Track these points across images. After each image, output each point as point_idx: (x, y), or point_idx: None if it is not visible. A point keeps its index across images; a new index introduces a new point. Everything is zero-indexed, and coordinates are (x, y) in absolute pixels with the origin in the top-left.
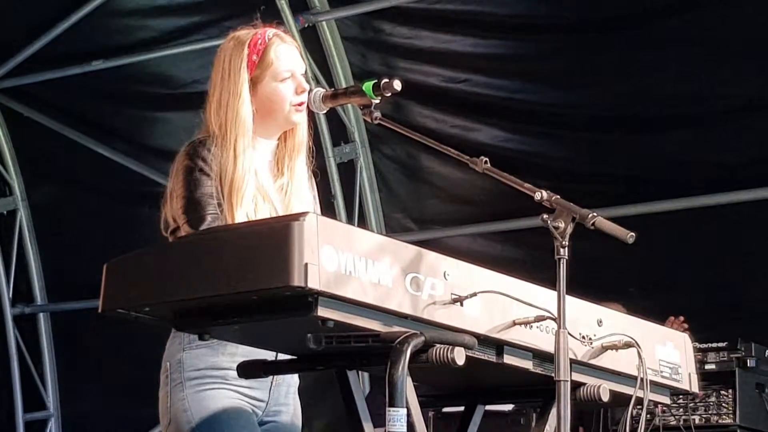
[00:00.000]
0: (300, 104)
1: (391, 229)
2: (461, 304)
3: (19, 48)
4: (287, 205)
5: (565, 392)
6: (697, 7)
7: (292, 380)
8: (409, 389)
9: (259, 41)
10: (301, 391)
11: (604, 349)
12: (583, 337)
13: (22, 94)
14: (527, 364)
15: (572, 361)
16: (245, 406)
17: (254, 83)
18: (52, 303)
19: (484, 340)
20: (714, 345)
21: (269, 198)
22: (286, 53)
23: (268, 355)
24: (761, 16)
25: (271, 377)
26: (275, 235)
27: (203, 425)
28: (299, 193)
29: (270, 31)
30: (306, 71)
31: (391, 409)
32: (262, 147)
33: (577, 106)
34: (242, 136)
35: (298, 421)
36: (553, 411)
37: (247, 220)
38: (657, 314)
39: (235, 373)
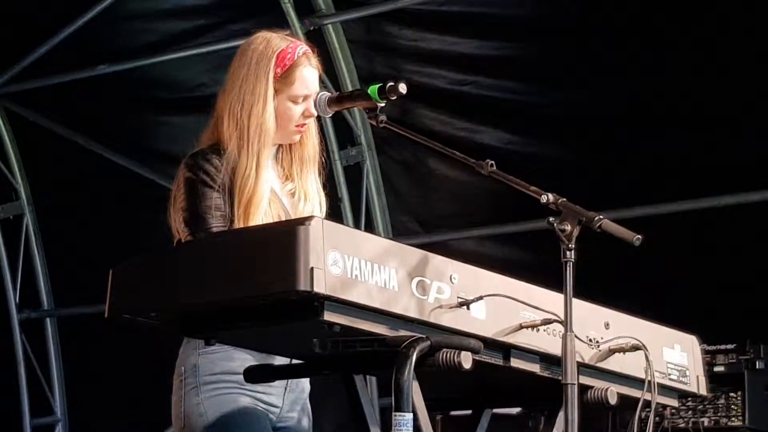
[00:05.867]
0: (302, 126)
1: (398, 232)
2: (468, 308)
3: (24, 52)
4: (299, 214)
5: (572, 395)
6: (699, 8)
7: (305, 386)
8: (416, 393)
9: (288, 56)
10: (310, 395)
11: (612, 352)
12: (591, 340)
13: (28, 98)
14: (534, 368)
15: (579, 365)
16: (260, 411)
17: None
18: (58, 308)
19: (491, 344)
20: (722, 347)
21: (274, 198)
22: (309, 77)
23: (281, 361)
24: (763, 17)
25: (285, 383)
26: (281, 240)
27: (218, 429)
28: (312, 205)
29: (300, 49)
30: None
31: (398, 413)
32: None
33: (583, 107)
34: (265, 148)
35: (309, 425)
36: (561, 414)
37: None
38: (663, 316)
39: None
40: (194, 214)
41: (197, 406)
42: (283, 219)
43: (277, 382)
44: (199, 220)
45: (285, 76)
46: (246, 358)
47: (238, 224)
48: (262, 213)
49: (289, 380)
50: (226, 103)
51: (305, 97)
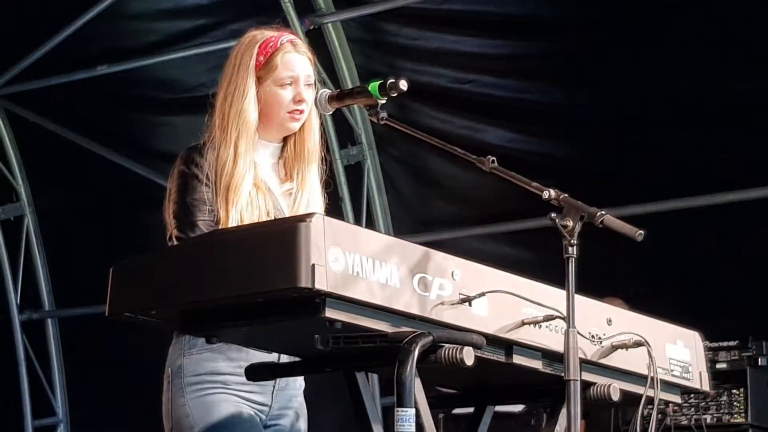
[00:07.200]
0: (295, 112)
1: (399, 230)
2: (469, 304)
3: (24, 53)
4: (296, 212)
5: (575, 392)
6: (700, 6)
7: (297, 384)
8: (418, 390)
9: (270, 44)
10: (311, 393)
11: (614, 348)
12: (593, 337)
13: (28, 99)
14: (537, 364)
15: (582, 361)
16: (248, 411)
17: (258, 83)
18: (59, 309)
19: (493, 340)
20: (725, 344)
21: (265, 191)
22: (294, 61)
23: (270, 360)
24: (763, 15)
25: (273, 381)
26: (282, 237)
27: (204, 429)
28: (310, 203)
29: (285, 37)
30: (315, 83)
31: (400, 409)
32: (264, 148)
33: (583, 105)
34: (244, 134)
35: (304, 425)
36: (564, 411)
37: (239, 216)
38: (664, 313)
39: (235, 378)
40: (182, 207)
41: (183, 407)
42: (272, 215)
43: (266, 381)
44: (187, 213)
45: (267, 63)
46: (232, 359)
47: (221, 212)
48: (244, 201)
49: (278, 378)
50: (217, 101)
51: (293, 81)
